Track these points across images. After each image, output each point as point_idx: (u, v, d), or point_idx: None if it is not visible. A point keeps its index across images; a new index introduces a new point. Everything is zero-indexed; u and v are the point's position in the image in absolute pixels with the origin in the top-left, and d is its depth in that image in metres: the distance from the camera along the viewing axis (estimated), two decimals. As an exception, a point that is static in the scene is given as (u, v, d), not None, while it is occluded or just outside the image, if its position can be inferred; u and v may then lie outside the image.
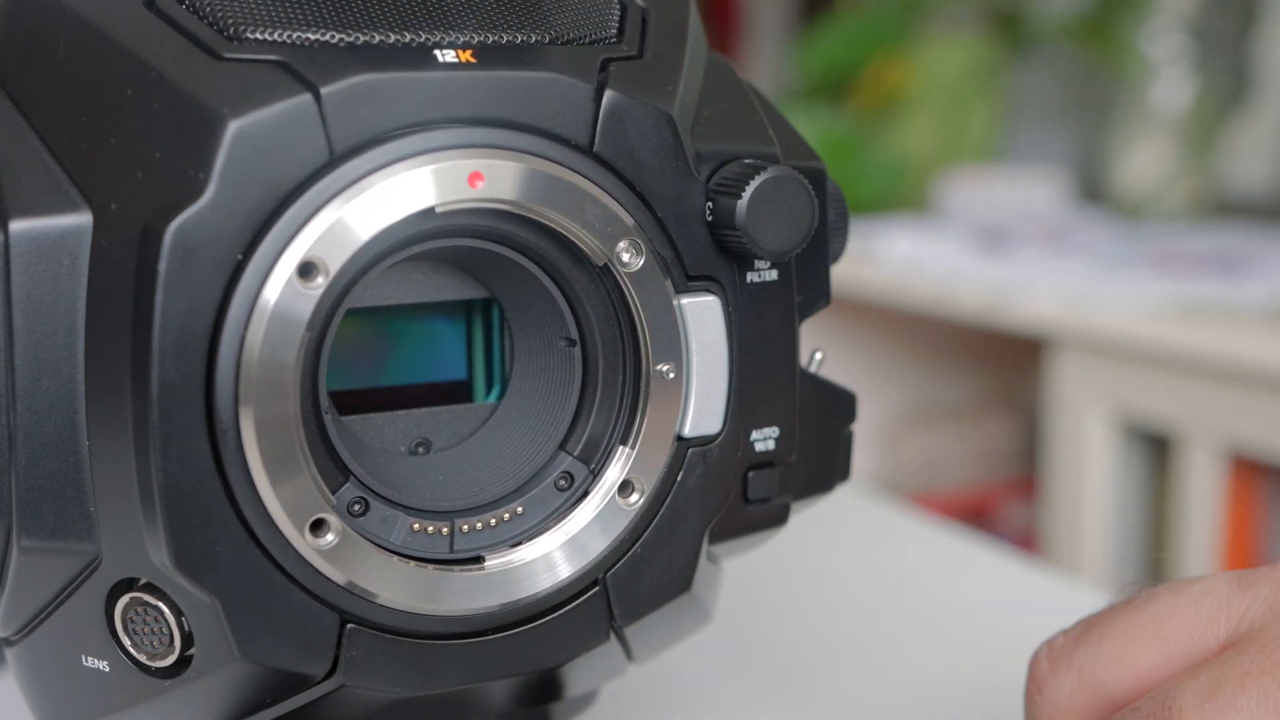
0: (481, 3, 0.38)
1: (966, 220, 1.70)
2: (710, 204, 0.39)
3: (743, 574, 0.57)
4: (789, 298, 0.41)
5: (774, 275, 0.40)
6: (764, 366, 0.40)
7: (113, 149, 0.34)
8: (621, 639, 0.40)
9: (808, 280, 0.42)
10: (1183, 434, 1.28)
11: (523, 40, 0.38)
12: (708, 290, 0.39)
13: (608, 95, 0.37)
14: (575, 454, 0.39)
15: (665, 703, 0.50)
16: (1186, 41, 1.67)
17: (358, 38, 0.36)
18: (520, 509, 0.38)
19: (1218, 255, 1.44)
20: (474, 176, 0.35)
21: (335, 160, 0.34)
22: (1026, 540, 1.59)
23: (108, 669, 0.37)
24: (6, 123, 0.36)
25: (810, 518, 0.47)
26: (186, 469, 0.33)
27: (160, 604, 0.35)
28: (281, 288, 0.33)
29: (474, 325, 0.41)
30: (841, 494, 0.47)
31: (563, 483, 0.39)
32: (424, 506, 0.38)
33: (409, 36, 0.36)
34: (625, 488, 0.39)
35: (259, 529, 0.34)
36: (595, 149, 0.37)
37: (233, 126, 0.33)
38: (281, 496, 0.34)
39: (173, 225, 0.33)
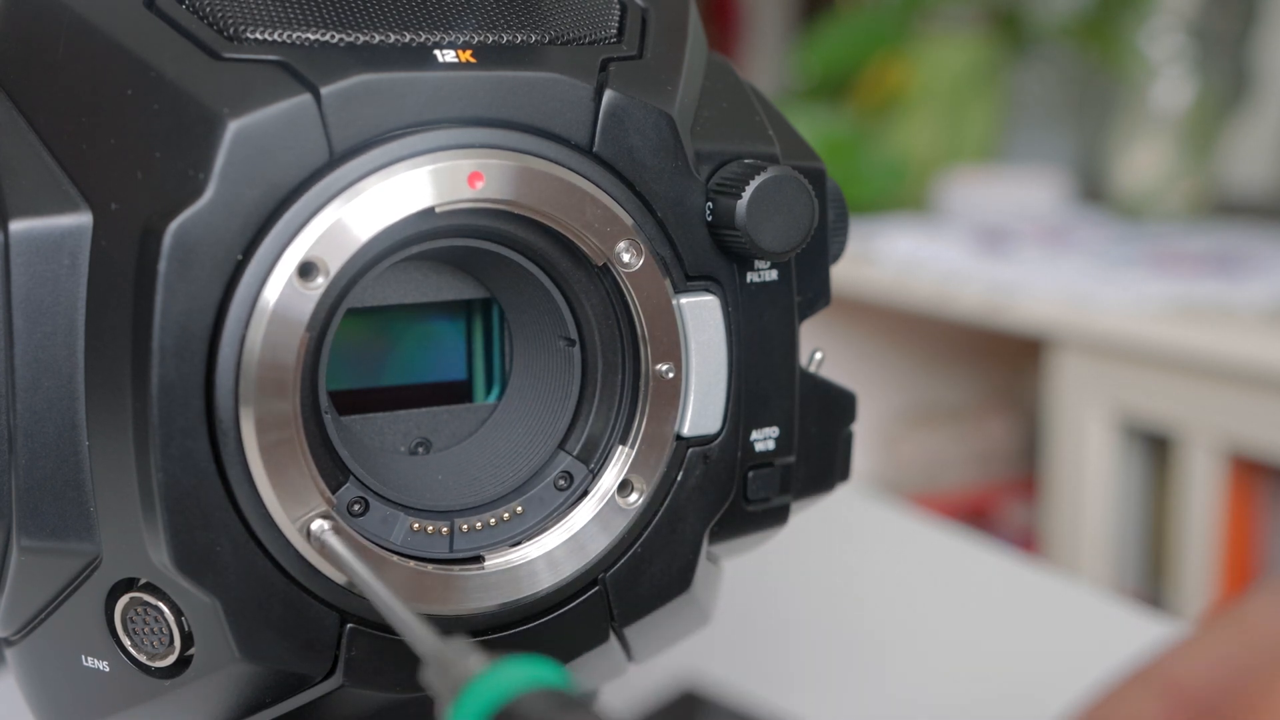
0: (481, 3, 0.38)
1: (966, 220, 1.70)
2: (710, 204, 0.39)
3: (743, 574, 0.57)
4: (789, 298, 0.41)
5: (774, 275, 0.40)
6: (764, 366, 0.40)
7: (113, 149, 0.34)
8: (621, 639, 0.40)
9: (808, 280, 0.42)
10: (1183, 434, 1.28)
11: (523, 40, 0.38)
12: (707, 290, 0.39)
13: (607, 95, 0.37)
14: (574, 454, 0.39)
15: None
16: (1186, 41, 1.67)
17: (358, 38, 0.36)
18: (520, 508, 0.39)
19: (1218, 255, 1.44)
20: (473, 176, 0.35)
21: (335, 160, 0.34)
22: (1026, 540, 1.59)
23: (108, 669, 0.37)
24: (6, 123, 0.36)
25: (810, 518, 0.47)
26: (186, 469, 0.33)
27: (160, 604, 0.35)
28: (281, 288, 0.33)
29: (474, 325, 0.41)
30: (841, 494, 0.47)
31: (562, 482, 0.39)
32: (424, 506, 0.38)
33: (409, 36, 0.36)
34: (624, 487, 0.39)
35: (259, 529, 0.34)
36: (595, 149, 0.37)
37: (232, 127, 0.33)
38: (281, 496, 0.34)
39: (173, 225, 0.33)
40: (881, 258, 1.55)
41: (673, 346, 0.38)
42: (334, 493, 0.36)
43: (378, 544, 0.36)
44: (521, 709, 0.26)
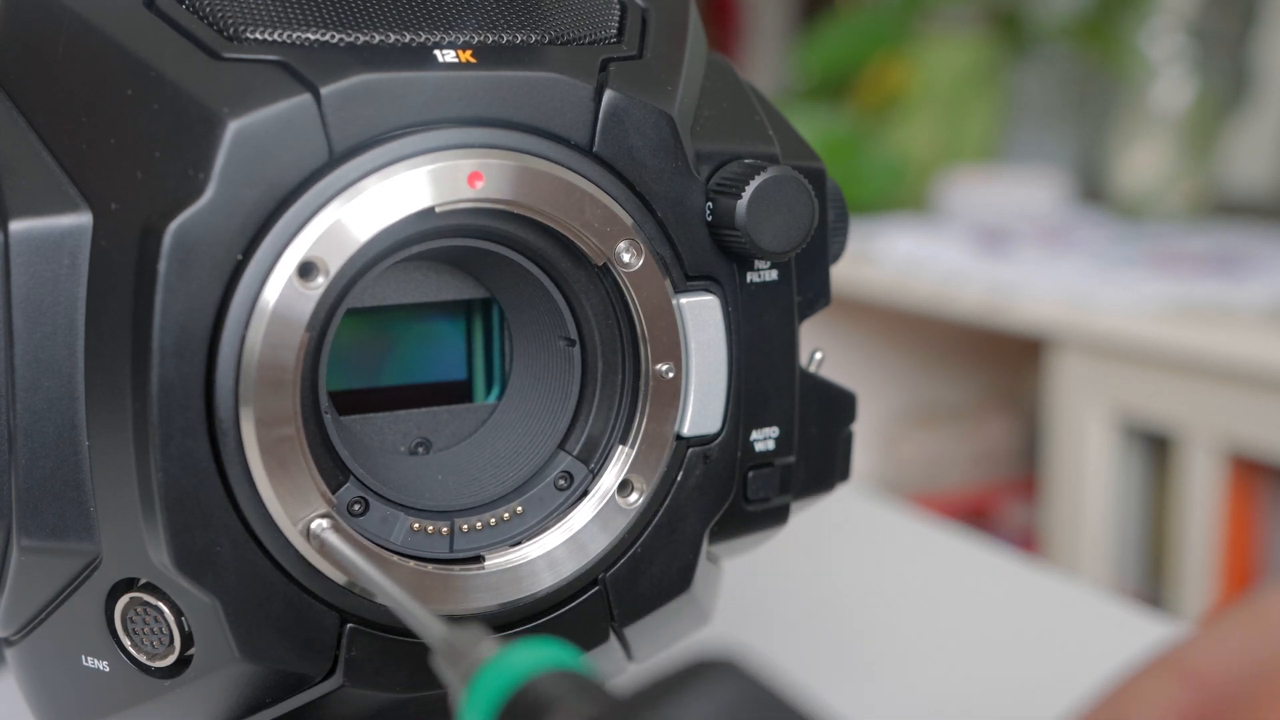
0: (481, 3, 0.38)
1: (966, 220, 1.70)
2: (710, 204, 0.39)
3: (743, 574, 0.57)
4: (789, 298, 0.41)
5: (774, 275, 0.40)
6: (764, 366, 0.40)
7: (113, 149, 0.34)
8: (621, 639, 0.40)
9: (808, 280, 0.42)
10: (1183, 434, 1.28)
11: (523, 40, 0.38)
12: (707, 290, 0.39)
13: (607, 95, 0.37)
14: (575, 453, 0.39)
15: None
16: (1186, 41, 1.67)
17: (358, 38, 0.36)
18: (520, 508, 0.39)
19: (1218, 255, 1.44)
20: (473, 176, 0.35)
21: (335, 160, 0.34)
22: (1026, 540, 1.59)
23: (108, 669, 0.37)
24: (6, 123, 0.36)
25: (810, 518, 0.47)
26: (186, 469, 0.33)
27: (160, 604, 0.35)
28: (281, 288, 0.33)
29: (474, 325, 0.41)
30: (841, 494, 0.47)
31: (562, 482, 0.39)
32: (424, 506, 0.38)
33: (409, 36, 0.36)
34: (624, 487, 0.39)
35: (259, 529, 0.34)
36: (595, 149, 0.37)
37: (232, 127, 0.33)
38: (281, 496, 0.34)
39: (173, 225, 0.33)
40: (881, 258, 1.55)
41: (673, 346, 0.38)
42: (334, 493, 0.36)
43: (378, 544, 0.36)
44: (536, 691, 0.25)
